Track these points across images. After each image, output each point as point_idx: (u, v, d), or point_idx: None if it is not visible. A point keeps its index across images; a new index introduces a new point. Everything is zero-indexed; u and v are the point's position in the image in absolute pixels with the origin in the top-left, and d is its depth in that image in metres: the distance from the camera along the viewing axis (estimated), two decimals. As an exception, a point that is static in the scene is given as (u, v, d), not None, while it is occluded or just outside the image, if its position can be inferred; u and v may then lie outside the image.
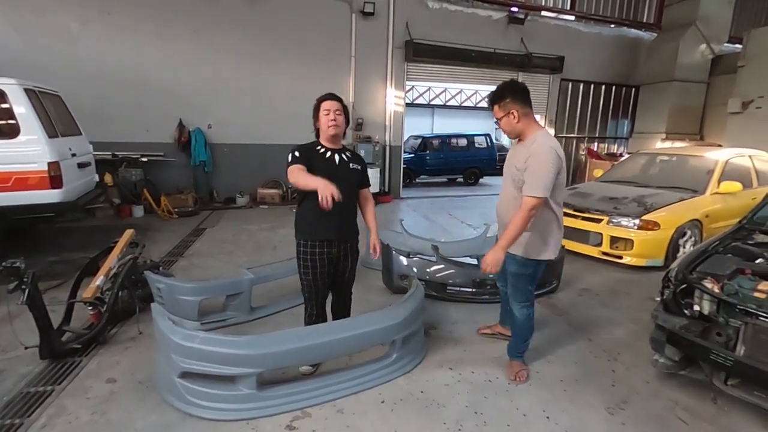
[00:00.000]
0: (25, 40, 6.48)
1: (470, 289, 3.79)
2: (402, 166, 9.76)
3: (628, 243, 4.59)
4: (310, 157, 2.43)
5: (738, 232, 3.15)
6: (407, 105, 10.00)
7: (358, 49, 8.47)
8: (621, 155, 10.50)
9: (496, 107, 2.40)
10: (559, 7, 10.60)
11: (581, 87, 11.12)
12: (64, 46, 6.69)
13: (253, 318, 3.38)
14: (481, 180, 12.89)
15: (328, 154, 2.50)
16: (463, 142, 13.16)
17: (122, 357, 2.79)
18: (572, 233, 5.00)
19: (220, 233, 6.05)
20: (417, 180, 12.66)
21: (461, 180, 13.11)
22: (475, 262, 4.43)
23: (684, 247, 4.68)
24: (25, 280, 2.43)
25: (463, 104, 23.30)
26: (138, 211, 6.91)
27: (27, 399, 2.33)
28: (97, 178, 5.48)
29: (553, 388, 2.57)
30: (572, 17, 10.57)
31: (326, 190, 2.07)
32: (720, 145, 8.33)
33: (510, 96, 2.33)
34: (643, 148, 9.37)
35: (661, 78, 10.51)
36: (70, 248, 4.98)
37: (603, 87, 11.45)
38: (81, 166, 4.86)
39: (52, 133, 4.27)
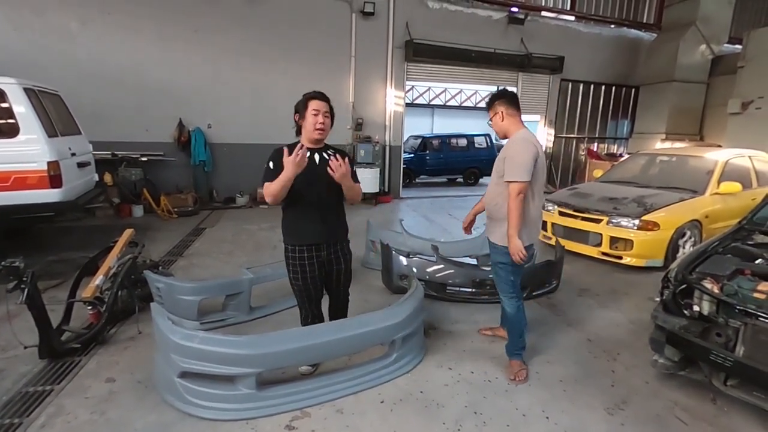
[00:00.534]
0: (25, 39, 6.47)
1: (470, 289, 3.78)
2: (402, 166, 9.77)
3: (628, 243, 4.59)
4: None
5: (738, 233, 3.15)
6: (407, 105, 10.00)
7: (358, 49, 8.48)
8: (621, 155, 10.50)
9: (490, 111, 2.69)
10: (559, 7, 10.60)
11: (581, 87, 11.12)
12: (64, 46, 6.68)
13: (252, 318, 3.38)
14: (480, 180, 12.88)
15: (308, 155, 2.35)
16: (463, 142, 13.16)
17: (121, 357, 2.79)
18: (572, 233, 5.01)
19: (219, 233, 6.05)
20: (417, 180, 12.65)
21: (461, 180, 13.12)
22: (474, 262, 4.43)
23: (683, 248, 4.68)
24: (24, 279, 2.43)
25: (463, 104, 23.32)
26: (137, 210, 6.91)
27: (26, 398, 2.33)
28: (96, 177, 5.47)
29: (552, 388, 2.57)
30: (572, 17, 10.57)
31: (291, 164, 2.11)
32: (720, 146, 8.33)
33: (499, 100, 2.63)
34: (642, 148, 9.37)
35: (661, 78, 10.51)
36: (69, 248, 4.98)
37: (603, 87, 11.45)
38: (80, 165, 4.86)
39: (51, 132, 4.27)
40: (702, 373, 2.42)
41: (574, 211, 5.04)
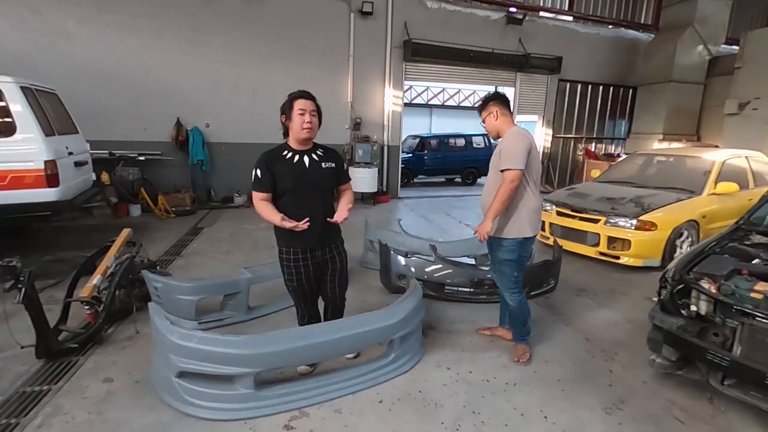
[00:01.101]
0: (22, 37, 6.43)
1: (468, 289, 3.79)
2: (400, 165, 9.77)
3: (626, 243, 4.60)
4: (276, 165, 2.31)
5: (735, 233, 3.16)
6: (405, 105, 10.00)
7: (356, 49, 8.46)
8: (618, 156, 10.51)
9: (483, 113, 2.80)
10: (557, 7, 10.61)
11: (579, 87, 11.14)
12: (62, 44, 6.65)
13: (250, 317, 3.37)
14: (479, 180, 12.89)
15: (296, 157, 2.35)
16: (461, 142, 13.17)
17: (119, 356, 2.78)
18: (570, 233, 5.02)
19: (217, 232, 6.04)
20: (415, 180, 12.66)
21: (459, 180, 13.13)
22: (473, 261, 4.44)
23: (681, 248, 4.69)
24: (21, 278, 2.42)
25: (461, 104, 23.35)
26: (135, 210, 6.88)
27: (23, 398, 2.32)
28: (94, 176, 5.45)
29: (550, 388, 2.58)
30: (570, 18, 10.58)
31: (287, 225, 2.19)
32: (717, 146, 8.37)
33: (493, 101, 2.75)
34: (640, 148, 9.39)
35: (659, 79, 10.55)
36: (66, 247, 4.96)
37: (601, 87, 11.47)
38: (78, 164, 4.84)
39: (48, 131, 4.25)
40: (699, 373, 2.43)
41: (572, 211, 5.05)
